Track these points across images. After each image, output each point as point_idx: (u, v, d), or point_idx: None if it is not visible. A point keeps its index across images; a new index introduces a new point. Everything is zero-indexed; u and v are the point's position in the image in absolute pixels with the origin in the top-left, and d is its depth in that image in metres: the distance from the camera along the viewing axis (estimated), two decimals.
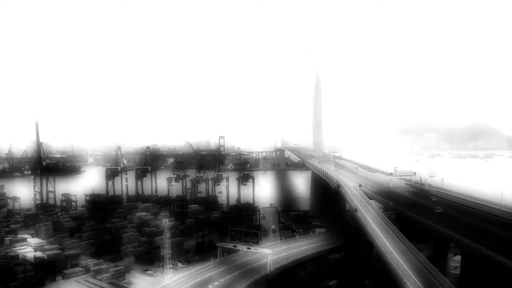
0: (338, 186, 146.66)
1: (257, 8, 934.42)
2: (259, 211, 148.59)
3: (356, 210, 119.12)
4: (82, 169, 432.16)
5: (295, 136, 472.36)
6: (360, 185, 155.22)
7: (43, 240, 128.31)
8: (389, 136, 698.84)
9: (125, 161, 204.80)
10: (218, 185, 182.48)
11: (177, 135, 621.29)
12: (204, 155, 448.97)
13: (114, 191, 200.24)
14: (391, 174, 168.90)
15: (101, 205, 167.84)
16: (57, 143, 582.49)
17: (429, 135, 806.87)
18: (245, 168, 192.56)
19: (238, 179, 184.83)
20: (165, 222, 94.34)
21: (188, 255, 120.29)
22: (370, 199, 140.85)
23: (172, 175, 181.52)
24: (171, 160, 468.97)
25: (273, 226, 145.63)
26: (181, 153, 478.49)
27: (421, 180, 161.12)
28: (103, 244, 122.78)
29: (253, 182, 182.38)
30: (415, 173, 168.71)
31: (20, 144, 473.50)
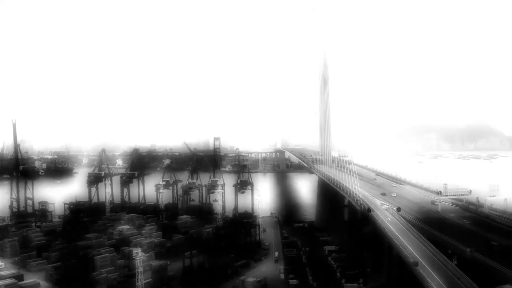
0: (369, 210, 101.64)
1: (256, 4, 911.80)
2: (259, 225, 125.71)
3: (416, 264, 69.32)
4: (74, 171, 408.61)
5: (297, 136, 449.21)
6: (398, 209, 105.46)
7: (1, 263, 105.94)
8: (389, 137, 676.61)
9: (110, 165, 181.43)
10: (213, 192, 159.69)
11: (175, 135, 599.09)
12: (201, 156, 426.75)
13: (98, 199, 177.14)
14: (439, 193, 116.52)
15: (78, 217, 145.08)
16: (52, 143, 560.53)
17: (429, 135, 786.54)
18: (244, 169, 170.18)
19: (235, 185, 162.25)
20: (137, 253, 71.19)
21: (172, 283, 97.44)
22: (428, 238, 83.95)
23: (161, 182, 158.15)
24: (167, 161, 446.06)
25: (276, 254, 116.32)
26: (177, 154, 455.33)
27: (478, 201, 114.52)
28: (71, 268, 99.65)
29: (252, 189, 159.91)
30: (470, 191, 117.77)
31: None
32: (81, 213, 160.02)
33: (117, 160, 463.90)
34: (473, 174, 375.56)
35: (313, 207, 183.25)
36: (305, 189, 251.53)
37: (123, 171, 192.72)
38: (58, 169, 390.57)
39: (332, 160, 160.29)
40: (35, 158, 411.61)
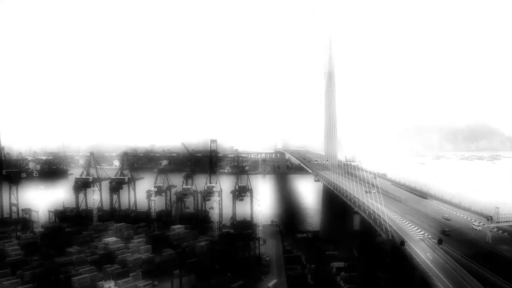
0: (402, 243, 74.74)
1: (256, 4, 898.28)
2: (258, 239, 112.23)
3: None
4: (69, 172, 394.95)
5: (298, 136, 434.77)
6: (440, 241, 76.61)
7: None
8: (389, 137, 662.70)
9: (104, 166, 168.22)
10: (209, 199, 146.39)
11: (175, 134, 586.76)
12: (199, 156, 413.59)
13: (86, 205, 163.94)
14: (490, 219, 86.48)
15: (61, 227, 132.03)
16: (50, 143, 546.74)
17: (430, 135, 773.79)
18: (242, 172, 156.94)
19: (233, 192, 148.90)
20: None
21: None
22: None
23: (152, 188, 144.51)
24: (164, 162, 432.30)
25: (273, 282, 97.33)
26: (175, 154, 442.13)
27: None
28: None
29: (251, 196, 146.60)
30: None
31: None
32: (66, 223, 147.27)
33: (114, 161, 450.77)
34: (472, 175, 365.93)
35: (317, 213, 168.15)
36: (307, 192, 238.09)
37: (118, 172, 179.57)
38: (53, 170, 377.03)
39: (339, 165, 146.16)
40: (29, 159, 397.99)
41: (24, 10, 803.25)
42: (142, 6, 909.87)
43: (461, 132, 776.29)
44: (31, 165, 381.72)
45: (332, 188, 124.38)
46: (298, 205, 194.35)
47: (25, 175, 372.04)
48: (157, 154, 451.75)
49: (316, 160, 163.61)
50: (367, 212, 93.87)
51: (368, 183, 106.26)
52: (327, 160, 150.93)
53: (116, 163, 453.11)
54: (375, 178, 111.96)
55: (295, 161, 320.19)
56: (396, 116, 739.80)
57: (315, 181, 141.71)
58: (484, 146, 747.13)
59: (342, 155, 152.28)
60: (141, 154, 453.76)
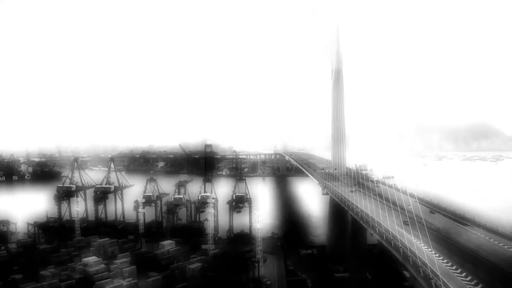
0: None
1: (256, 4, 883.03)
2: (258, 262, 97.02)
3: None
4: (63, 175, 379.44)
5: (298, 137, 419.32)
6: None
7: None
8: (389, 137, 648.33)
9: (84, 177, 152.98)
10: (203, 211, 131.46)
11: (174, 134, 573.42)
12: (197, 158, 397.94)
13: (70, 215, 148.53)
14: None
15: (35, 245, 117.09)
16: (47, 143, 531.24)
17: (430, 135, 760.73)
18: (241, 178, 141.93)
19: (229, 203, 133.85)
20: None
21: None
22: None
23: (140, 199, 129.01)
24: (161, 164, 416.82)
25: None
26: (172, 156, 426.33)
27: None
28: None
29: (250, 206, 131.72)
30: None
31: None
32: (46, 236, 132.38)
33: (109, 162, 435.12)
34: (473, 175, 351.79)
35: (322, 223, 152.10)
36: (309, 197, 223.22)
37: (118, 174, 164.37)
38: (45, 172, 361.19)
39: (347, 173, 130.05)
40: (21, 161, 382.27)
41: (20, 11, 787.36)
42: (141, 7, 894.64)
43: (462, 132, 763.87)
44: (23, 167, 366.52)
45: (352, 214, 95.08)
46: (301, 213, 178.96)
47: (16, 178, 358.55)
48: (154, 156, 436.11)
49: (323, 169, 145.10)
50: (413, 261, 58.90)
51: (394, 203, 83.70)
52: (335, 169, 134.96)
53: (112, 164, 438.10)
54: (395, 192, 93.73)
55: (295, 162, 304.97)
56: (395, 116, 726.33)
57: (323, 194, 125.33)
58: (485, 146, 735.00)
59: (350, 161, 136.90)
60: (137, 156, 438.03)
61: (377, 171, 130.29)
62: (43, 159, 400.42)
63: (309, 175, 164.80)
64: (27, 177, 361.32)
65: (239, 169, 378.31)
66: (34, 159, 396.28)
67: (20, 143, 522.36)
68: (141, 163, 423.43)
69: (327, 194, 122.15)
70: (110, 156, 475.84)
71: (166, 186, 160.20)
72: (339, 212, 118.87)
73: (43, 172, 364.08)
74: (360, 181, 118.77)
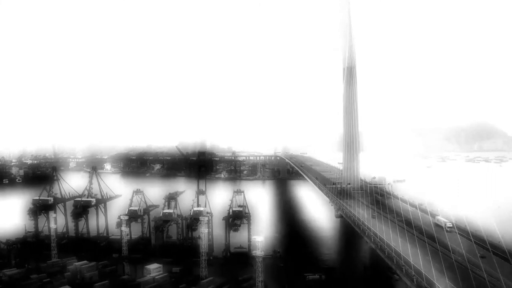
0: None
1: (257, 4, 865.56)
2: None
3: None
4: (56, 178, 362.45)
5: (299, 139, 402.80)
6: None
7: None
8: (390, 138, 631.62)
9: (64, 186, 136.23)
10: (195, 229, 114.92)
11: (172, 134, 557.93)
12: (194, 160, 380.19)
13: (49, 230, 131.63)
14: None
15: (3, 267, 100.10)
16: (44, 144, 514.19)
17: (432, 136, 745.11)
18: (239, 190, 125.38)
19: (225, 219, 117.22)
20: None
21: None
22: None
23: (122, 216, 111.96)
24: (157, 166, 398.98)
25: None
26: (169, 158, 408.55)
27: None
28: None
29: (249, 223, 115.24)
30: None
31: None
32: (17, 258, 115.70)
33: (105, 164, 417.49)
34: (481, 178, 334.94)
35: (329, 238, 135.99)
36: (313, 204, 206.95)
37: (112, 176, 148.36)
38: (37, 175, 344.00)
39: (361, 188, 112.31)
40: (12, 163, 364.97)
41: (19, 10, 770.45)
42: (141, 7, 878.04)
43: (463, 133, 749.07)
44: (14, 170, 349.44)
45: (383, 256, 71.96)
46: (304, 225, 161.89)
47: (7, 181, 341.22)
48: (150, 157, 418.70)
49: (334, 184, 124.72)
50: None
51: (431, 238, 63.03)
52: (349, 184, 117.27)
53: (108, 166, 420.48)
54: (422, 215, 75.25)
55: (298, 169, 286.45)
56: (395, 116, 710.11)
57: (337, 217, 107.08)
58: (487, 146, 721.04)
59: (364, 170, 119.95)
60: (133, 157, 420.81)
61: (388, 176, 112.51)
62: (36, 161, 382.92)
63: (316, 187, 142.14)
64: (18, 180, 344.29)
65: (238, 172, 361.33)
66: (27, 161, 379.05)
67: (16, 144, 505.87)
68: (138, 165, 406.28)
69: (341, 217, 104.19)
70: (106, 157, 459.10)
71: (158, 193, 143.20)
72: (353, 232, 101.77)
73: (35, 175, 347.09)
74: (378, 198, 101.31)
